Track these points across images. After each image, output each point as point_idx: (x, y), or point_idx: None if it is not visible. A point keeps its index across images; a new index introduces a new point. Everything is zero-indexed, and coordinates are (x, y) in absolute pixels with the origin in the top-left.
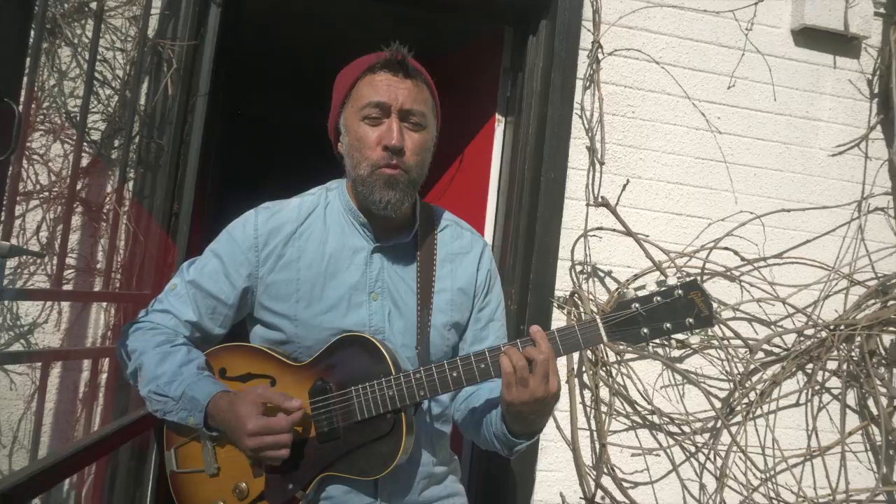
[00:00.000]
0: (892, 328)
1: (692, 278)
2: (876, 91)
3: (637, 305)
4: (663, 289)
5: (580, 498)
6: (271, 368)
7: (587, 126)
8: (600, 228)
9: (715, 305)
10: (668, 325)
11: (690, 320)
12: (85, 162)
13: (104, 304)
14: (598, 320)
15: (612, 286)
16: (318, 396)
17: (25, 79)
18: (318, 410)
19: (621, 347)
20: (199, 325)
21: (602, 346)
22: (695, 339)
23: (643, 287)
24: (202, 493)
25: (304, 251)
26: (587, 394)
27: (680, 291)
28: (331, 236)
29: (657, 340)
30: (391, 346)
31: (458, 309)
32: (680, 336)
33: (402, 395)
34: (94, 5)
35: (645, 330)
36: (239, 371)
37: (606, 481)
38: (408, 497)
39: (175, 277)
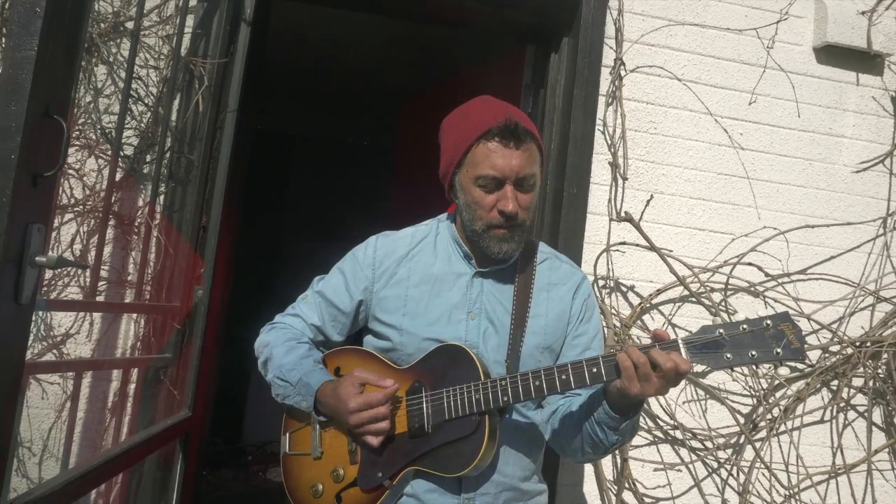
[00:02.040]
0: None
1: (784, 311)
2: None
3: (721, 331)
4: (752, 318)
5: None
6: (377, 370)
7: (609, 142)
8: (623, 243)
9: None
10: (755, 353)
11: (779, 351)
12: (118, 176)
13: (134, 315)
14: (679, 341)
15: (635, 301)
16: (414, 395)
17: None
18: (412, 408)
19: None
20: (322, 330)
21: None
22: None
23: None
24: (306, 474)
25: (413, 272)
26: None
27: (769, 322)
28: (438, 261)
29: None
30: (484, 360)
31: (552, 334)
32: (767, 366)
33: (486, 398)
34: (130, 25)
35: (729, 355)
36: (350, 370)
37: (628, 496)
38: None
39: (307, 289)
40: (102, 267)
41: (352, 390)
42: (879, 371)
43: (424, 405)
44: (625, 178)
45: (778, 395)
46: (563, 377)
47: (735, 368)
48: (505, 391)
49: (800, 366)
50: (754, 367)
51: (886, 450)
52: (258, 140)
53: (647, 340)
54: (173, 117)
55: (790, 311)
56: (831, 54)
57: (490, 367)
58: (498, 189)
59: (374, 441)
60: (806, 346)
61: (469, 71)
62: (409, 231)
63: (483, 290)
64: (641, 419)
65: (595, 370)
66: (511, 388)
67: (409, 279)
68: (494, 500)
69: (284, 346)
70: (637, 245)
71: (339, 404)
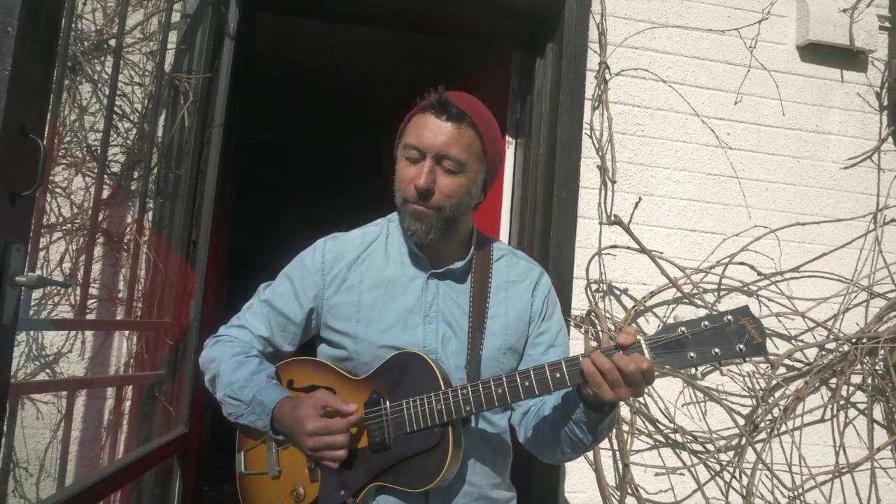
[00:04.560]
0: None
1: (744, 305)
2: (885, 103)
3: (683, 329)
4: (712, 314)
5: None
6: (333, 381)
7: (597, 145)
8: (614, 246)
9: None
10: (717, 350)
11: (741, 347)
12: (105, 194)
13: (126, 332)
14: (643, 341)
15: (629, 304)
16: (373, 408)
17: (48, 115)
18: (371, 421)
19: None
20: (271, 341)
21: None
22: None
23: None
24: (264, 495)
25: (364, 276)
26: None
27: (730, 317)
28: (390, 263)
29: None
30: (444, 366)
31: (514, 334)
32: (732, 362)
33: (449, 409)
34: (113, 42)
35: (692, 354)
36: (304, 383)
37: (630, 501)
38: None
39: (252, 298)
40: (92, 285)
41: (311, 412)
42: (877, 367)
43: (384, 418)
44: (613, 182)
45: (777, 395)
46: (527, 384)
47: (699, 367)
48: (467, 400)
49: (797, 364)
50: (717, 364)
51: (889, 447)
52: (255, 152)
53: None
54: (159, 133)
55: (784, 310)
56: (815, 52)
57: (451, 373)
58: (420, 163)
59: (331, 465)
60: (767, 339)
61: (458, 79)
62: (359, 233)
63: (439, 293)
64: (641, 423)
65: (558, 375)
66: (473, 397)
67: (360, 284)
68: None
69: (232, 362)
70: (628, 248)
71: (296, 426)
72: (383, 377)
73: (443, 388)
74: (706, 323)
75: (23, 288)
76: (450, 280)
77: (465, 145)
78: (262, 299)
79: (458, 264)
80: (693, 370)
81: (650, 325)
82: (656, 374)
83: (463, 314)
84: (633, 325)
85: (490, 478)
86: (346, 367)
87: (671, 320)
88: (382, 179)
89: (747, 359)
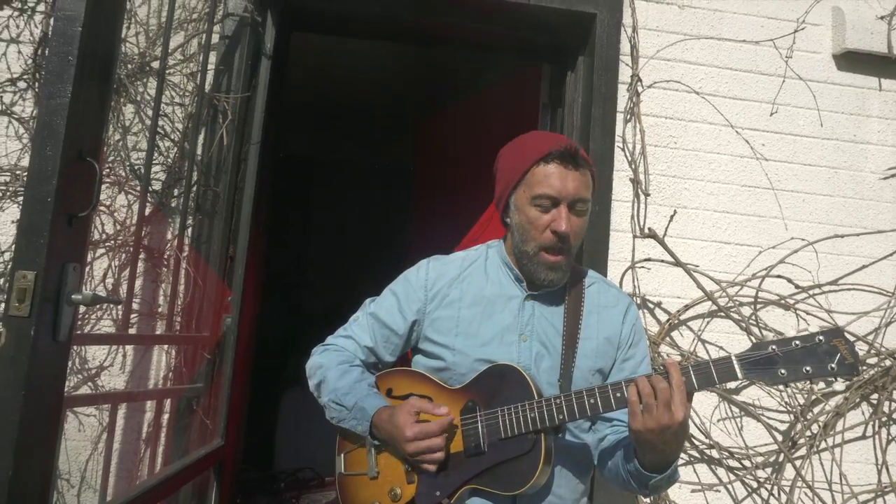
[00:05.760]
0: None
1: (837, 326)
2: None
3: (774, 347)
4: (803, 334)
5: None
6: (429, 390)
7: (630, 158)
8: (648, 260)
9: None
10: (808, 368)
11: (833, 366)
12: (147, 211)
13: (165, 346)
14: (733, 357)
15: (663, 317)
16: (468, 415)
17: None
18: (466, 427)
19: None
20: (374, 351)
21: None
22: None
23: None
24: (363, 494)
25: (465, 293)
26: None
27: (821, 338)
28: (489, 283)
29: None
30: (537, 380)
31: (603, 357)
32: (822, 382)
33: (542, 416)
34: (155, 64)
35: (783, 371)
36: (403, 391)
37: None
38: None
39: (359, 311)
40: (133, 300)
41: (408, 419)
42: None
43: (479, 424)
44: (647, 194)
45: (816, 410)
46: (618, 395)
47: (789, 385)
48: (560, 409)
49: (840, 379)
50: (809, 382)
51: None
52: (280, 167)
53: (676, 357)
54: (199, 151)
55: (822, 323)
56: (851, 61)
57: (543, 388)
58: (553, 210)
59: (430, 468)
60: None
61: (486, 92)
62: (461, 255)
63: (534, 314)
64: None
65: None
66: (566, 405)
67: (461, 300)
68: None
69: (338, 370)
70: (662, 261)
71: (395, 431)
72: (478, 387)
73: (536, 398)
74: (797, 342)
75: (77, 305)
76: (545, 303)
77: (588, 187)
78: (369, 312)
79: (554, 288)
80: (781, 387)
81: (684, 338)
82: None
83: (557, 334)
84: (667, 338)
85: (573, 492)
86: (442, 378)
87: (740, 337)
88: (406, 191)
89: (838, 378)
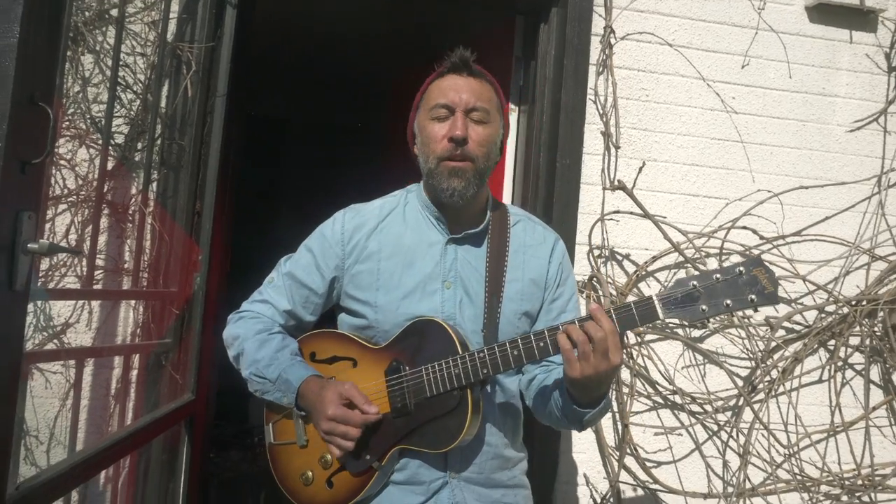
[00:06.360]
0: None
1: (756, 255)
2: (894, 64)
3: (695, 283)
4: (724, 266)
5: (604, 478)
6: (353, 351)
7: (601, 111)
8: (617, 212)
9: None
10: (729, 301)
11: (753, 297)
12: (110, 165)
13: (132, 302)
14: (654, 298)
15: (631, 269)
16: (393, 375)
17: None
18: (392, 388)
19: (642, 329)
20: (294, 314)
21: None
22: (715, 319)
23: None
24: (294, 463)
25: (384, 244)
26: None
27: (741, 268)
28: (409, 230)
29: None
30: (462, 331)
31: (529, 299)
32: (745, 312)
33: (466, 372)
34: (114, 12)
35: (704, 307)
36: (326, 354)
37: (630, 461)
38: (476, 475)
39: (273, 272)
40: (98, 256)
41: (335, 399)
42: (876, 329)
43: (405, 384)
44: (617, 147)
45: (776, 357)
46: (542, 344)
47: (711, 319)
48: (484, 363)
49: (797, 326)
50: (730, 315)
51: (884, 406)
52: (250, 126)
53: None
54: (163, 104)
55: (786, 273)
56: (823, 12)
57: (468, 337)
58: (450, 119)
59: (336, 452)
60: (780, 288)
61: (460, 45)
62: (378, 203)
63: (457, 258)
64: (641, 385)
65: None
66: (490, 359)
67: (380, 252)
68: (480, 469)
69: (256, 340)
70: (631, 213)
71: (319, 404)
72: (402, 345)
73: (460, 352)
74: (718, 276)
75: (34, 255)
76: (468, 245)
77: (487, 98)
78: (284, 272)
79: (477, 228)
80: (704, 322)
81: (652, 290)
82: (647, 334)
83: (480, 279)
84: (635, 289)
85: (504, 437)
86: (366, 336)
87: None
88: (382, 150)
89: (759, 308)
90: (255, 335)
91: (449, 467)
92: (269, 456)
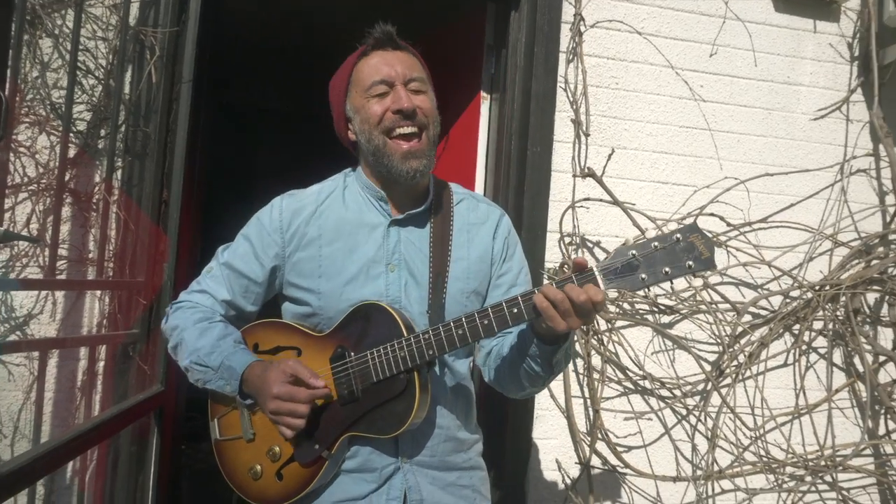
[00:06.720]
0: (875, 287)
1: (692, 222)
2: (856, 54)
3: (634, 252)
4: (661, 234)
5: (575, 463)
6: (297, 340)
7: (571, 99)
8: (587, 199)
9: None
10: (668, 269)
11: (690, 263)
12: (72, 152)
13: (98, 292)
14: (595, 268)
15: (602, 256)
16: (338, 362)
17: (9, 70)
18: (338, 375)
19: (612, 315)
20: (234, 304)
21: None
22: (684, 305)
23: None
24: (241, 458)
25: (324, 229)
26: (580, 362)
27: (678, 235)
28: (349, 213)
29: (655, 287)
30: (408, 314)
31: (476, 277)
32: (682, 279)
33: (412, 354)
34: None
35: (643, 276)
36: (269, 345)
37: (601, 446)
38: (429, 458)
39: (212, 261)
40: (62, 245)
41: (280, 377)
42: (838, 313)
43: (350, 370)
44: (587, 135)
45: (742, 341)
46: (486, 322)
47: (651, 288)
48: (429, 344)
49: (763, 311)
50: (670, 283)
51: (846, 389)
52: (223, 114)
53: (612, 294)
54: (126, 90)
55: (752, 259)
56: (789, 2)
57: (414, 320)
58: (389, 94)
59: (286, 433)
60: (716, 253)
61: (430, 33)
62: (315, 188)
63: (400, 239)
64: (612, 371)
65: (516, 310)
66: (435, 340)
67: (321, 237)
68: (433, 452)
69: (196, 329)
70: (601, 201)
71: (263, 386)
72: (347, 330)
73: (405, 335)
74: (656, 244)
75: None
76: (411, 226)
77: (419, 68)
78: (222, 262)
79: (419, 209)
80: (646, 290)
81: None
82: (609, 307)
83: (425, 259)
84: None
85: (456, 419)
86: (310, 324)
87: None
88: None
89: (697, 274)
90: (194, 324)
91: (401, 452)
92: (215, 452)
